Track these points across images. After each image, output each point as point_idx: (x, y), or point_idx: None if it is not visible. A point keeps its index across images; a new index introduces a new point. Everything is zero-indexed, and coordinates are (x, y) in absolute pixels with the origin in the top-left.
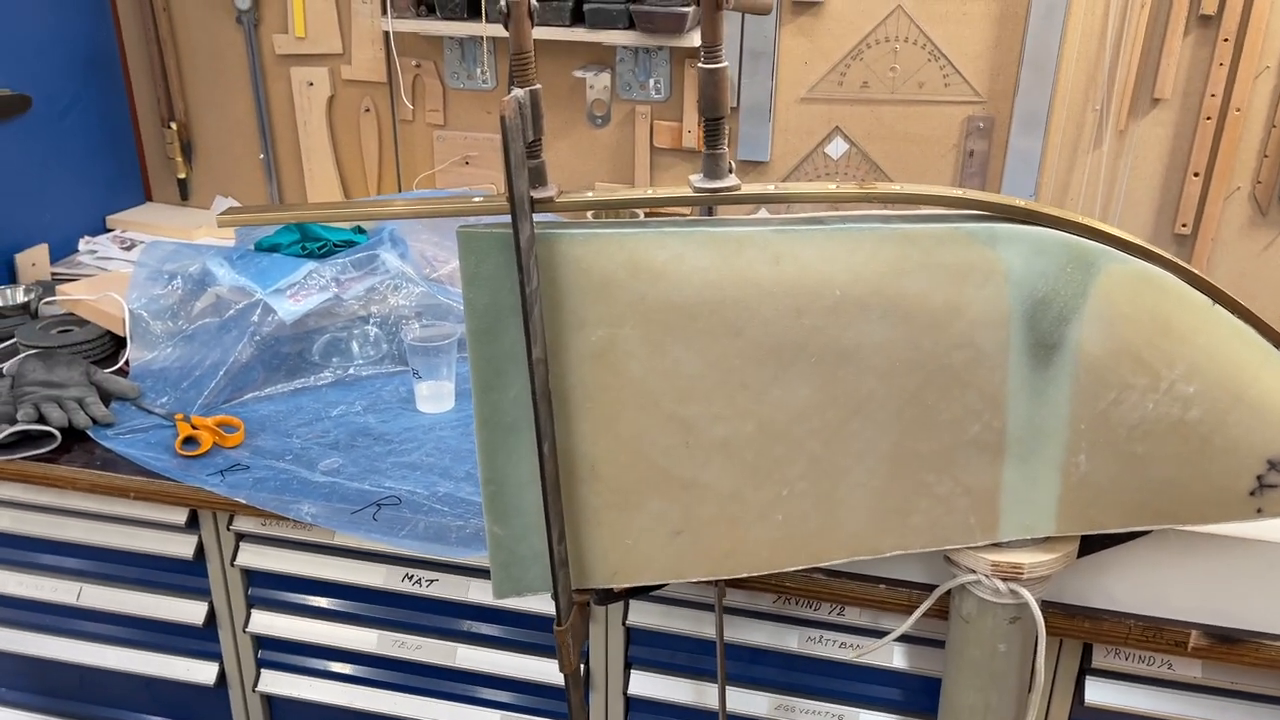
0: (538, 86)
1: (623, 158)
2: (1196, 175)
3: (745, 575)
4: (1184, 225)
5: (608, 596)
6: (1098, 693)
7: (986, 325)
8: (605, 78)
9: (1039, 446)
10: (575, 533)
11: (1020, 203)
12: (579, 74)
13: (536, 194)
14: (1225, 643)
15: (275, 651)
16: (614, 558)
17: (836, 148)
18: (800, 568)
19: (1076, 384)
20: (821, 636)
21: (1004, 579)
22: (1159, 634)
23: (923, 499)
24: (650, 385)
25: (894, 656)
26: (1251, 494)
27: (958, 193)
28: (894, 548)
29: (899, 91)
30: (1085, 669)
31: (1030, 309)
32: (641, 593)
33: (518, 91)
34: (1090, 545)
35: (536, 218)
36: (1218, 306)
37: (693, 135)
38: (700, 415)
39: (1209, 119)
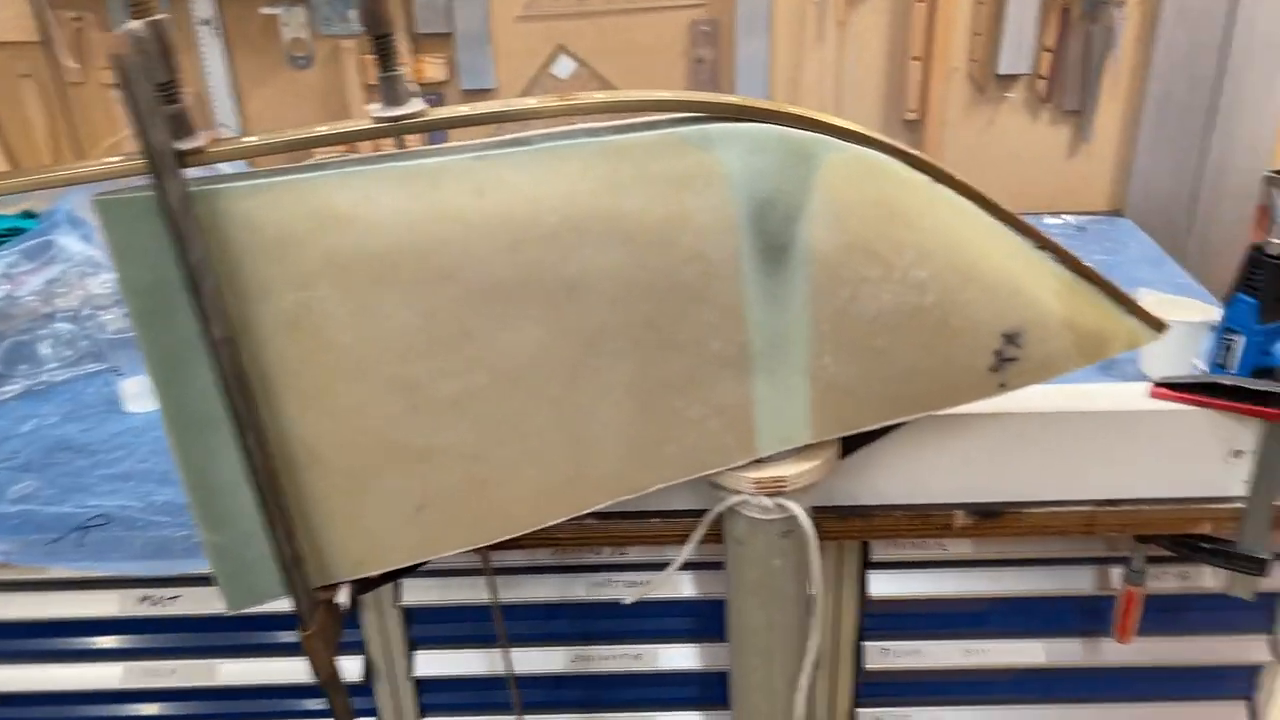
0: (162, 16)
1: (335, 100)
2: (916, 59)
3: (504, 539)
4: (912, 111)
5: (367, 585)
6: (880, 585)
7: (714, 234)
8: (300, 13)
9: (785, 354)
10: (306, 526)
11: (731, 99)
12: (268, 10)
13: (182, 145)
14: (988, 518)
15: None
16: (355, 546)
17: (564, 67)
18: (561, 519)
19: (813, 284)
20: (608, 580)
21: (769, 494)
22: (926, 520)
23: (675, 427)
24: (361, 349)
25: (683, 586)
26: (992, 370)
27: (665, 94)
28: (654, 482)
29: (618, 1)
30: (866, 564)
31: (756, 211)
32: (403, 574)
33: (133, 24)
34: (851, 446)
35: (192, 173)
36: (939, 185)
37: (408, 68)
38: (424, 374)
39: (920, 2)
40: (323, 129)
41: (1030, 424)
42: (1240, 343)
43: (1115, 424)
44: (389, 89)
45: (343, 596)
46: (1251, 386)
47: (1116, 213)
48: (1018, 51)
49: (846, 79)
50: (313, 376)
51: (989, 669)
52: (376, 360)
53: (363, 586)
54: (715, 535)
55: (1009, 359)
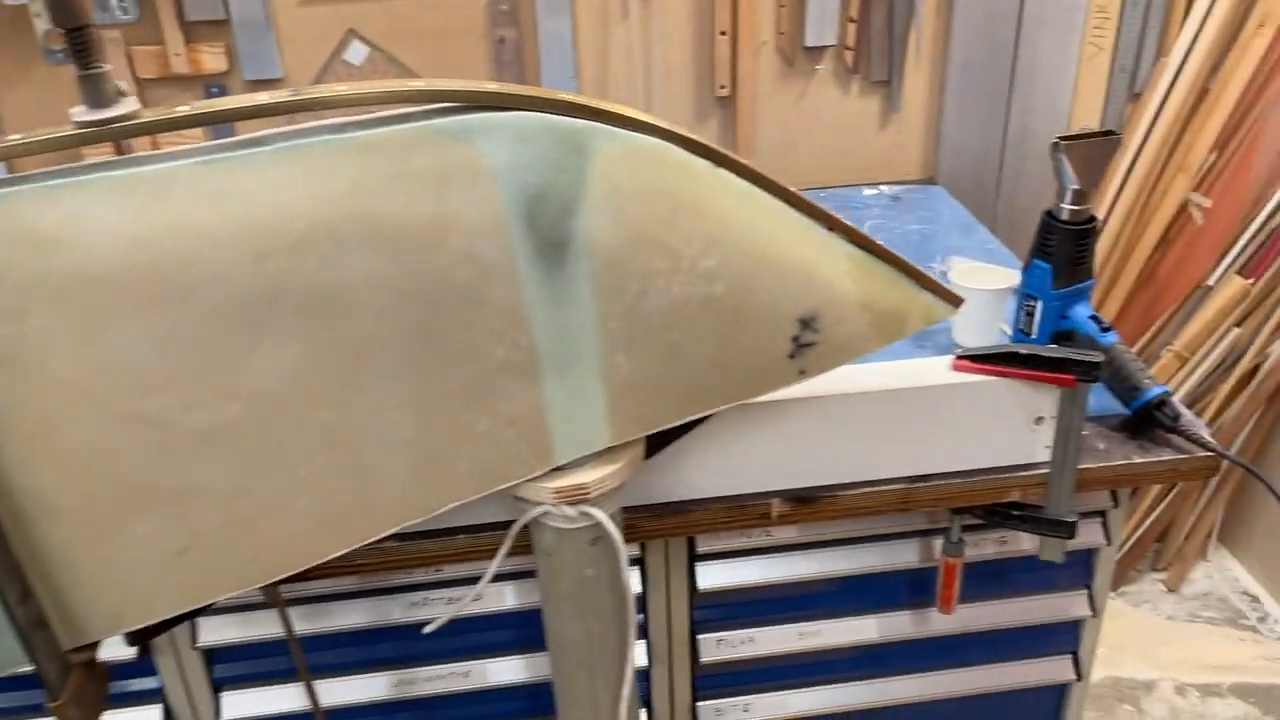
0: None
1: None
2: (724, 34)
3: (280, 578)
4: (723, 87)
5: (145, 634)
6: (709, 576)
7: (484, 234)
8: None
9: (574, 356)
10: (48, 584)
11: (490, 86)
12: (14, 0)
13: None
14: (804, 504)
15: None
16: (110, 600)
17: (356, 52)
18: (346, 550)
19: (597, 281)
20: (425, 599)
21: (572, 503)
22: (743, 511)
23: (464, 442)
24: (89, 385)
25: (507, 597)
26: (791, 357)
27: (417, 84)
28: (446, 502)
29: None
30: (694, 556)
31: (528, 206)
32: (181, 620)
33: None
34: (657, 444)
35: None
36: (722, 170)
37: (182, 59)
38: (168, 407)
39: None
40: (14, 138)
41: (838, 406)
42: (1039, 308)
43: (920, 400)
44: (91, 89)
45: (121, 648)
46: (1046, 354)
47: (930, 181)
48: (823, 23)
49: (655, 56)
50: (34, 419)
51: (824, 650)
52: (108, 396)
53: (139, 636)
54: (528, 545)
55: (807, 344)
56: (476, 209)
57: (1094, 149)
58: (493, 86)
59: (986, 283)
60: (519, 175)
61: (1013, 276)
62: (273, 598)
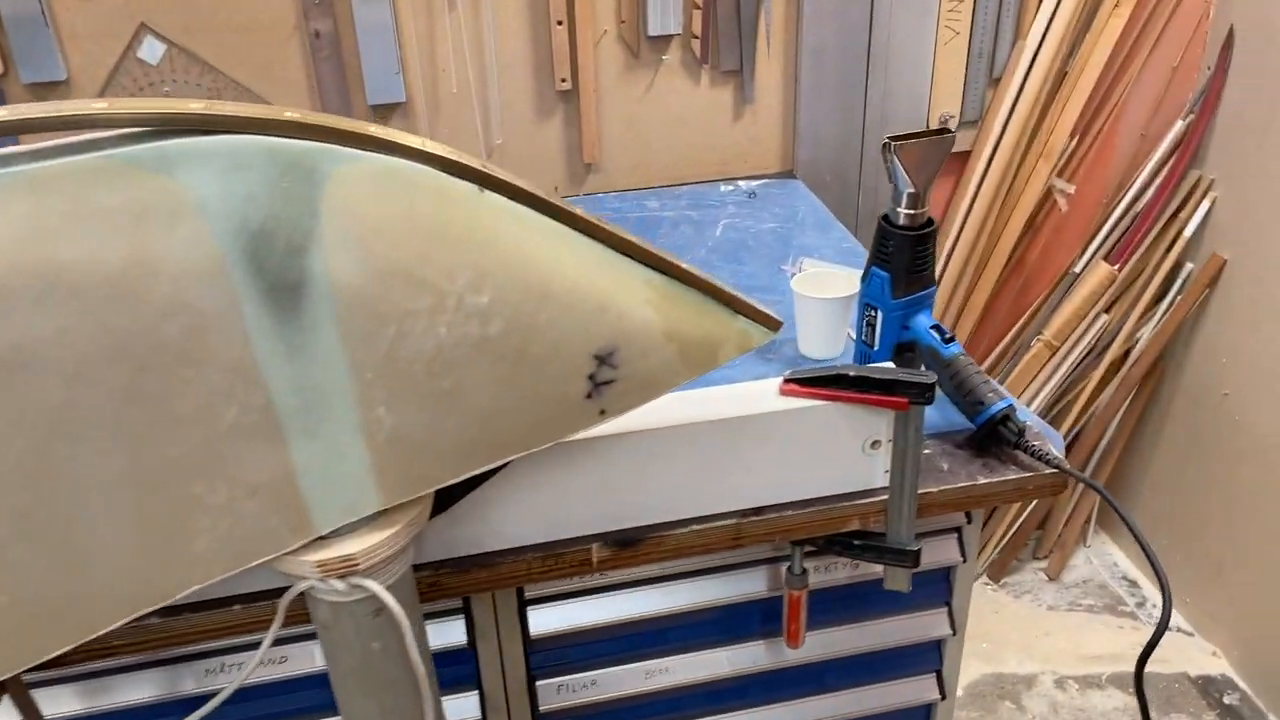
0: None
1: None
2: (561, 23)
3: None
4: (564, 80)
5: None
6: (542, 621)
7: (197, 279)
8: None
9: (325, 413)
10: None
11: (195, 106)
12: None
13: None
14: (627, 547)
15: None
16: None
17: (152, 50)
18: (70, 647)
19: (344, 327)
20: (221, 664)
21: (340, 576)
22: (559, 560)
23: (200, 516)
24: None
25: (316, 658)
26: (589, 397)
27: (99, 106)
28: (187, 585)
29: None
30: (524, 602)
31: (250, 245)
32: None
33: None
34: (450, 496)
35: None
36: (489, 194)
37: None
38: None
39: None
40: None
41: (658, 440)
42: (880, 318)
43: (746, 429)
44: None
45: None
46: (877, 376)
47: (789, 174)
48: (666, 10)
49: (488, 48)
50: None
51: (675, 687)
52: None
53: None
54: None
55: (605, 382)
56: (183, 251)
57: (927, 149)
58: (196, 106)
59: (828, 290)
60: (235, 210)
61: (857, 282)
62: (13, 689)
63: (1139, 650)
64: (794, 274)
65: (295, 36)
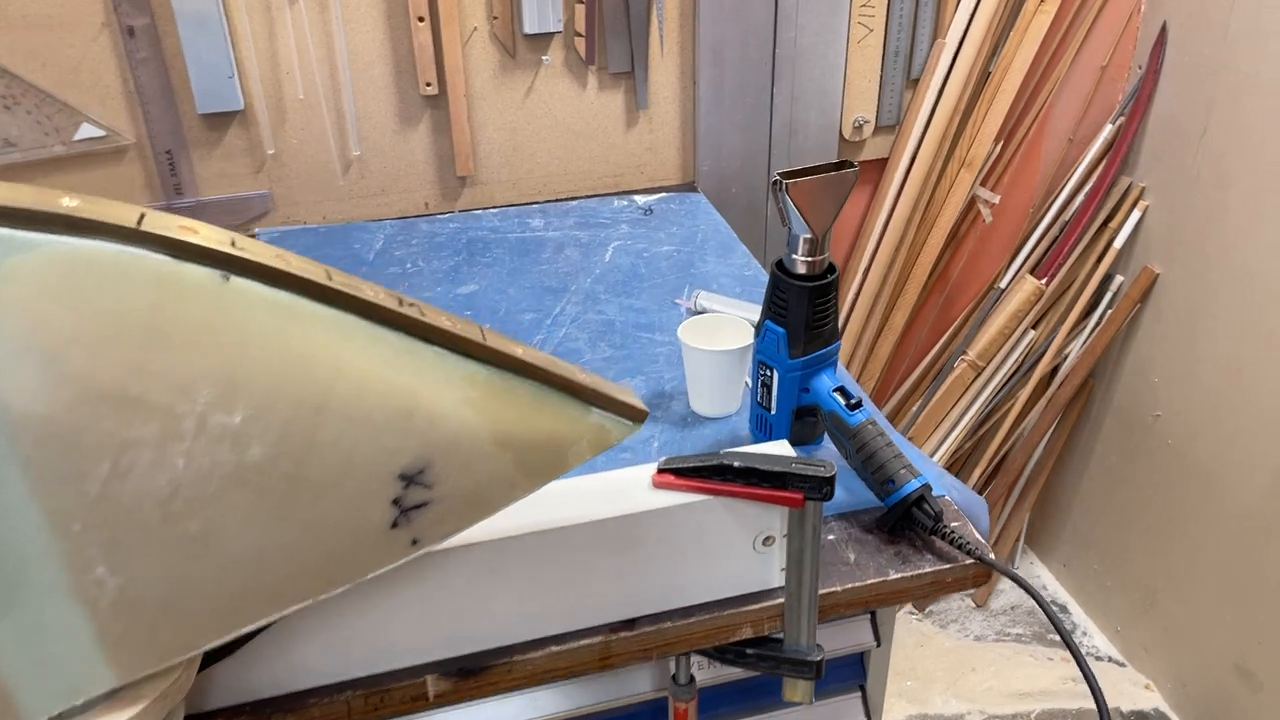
0: None
1: None
2: (422, 20)
3: None
4: (429, 84)
5: None
6: None
7: None
8: None
9: (21, 580)
10: None
11: None
12: None
13: None
14: (470, 677)
15: None
16: None
17: None
18: None
19: (32, 470)
20: None
21: None
22: (386, 696)
23: None
24: None
25: None
26: (395, 526)
27: None
28: None
29: None
30: None
31: None
32: None
33: None
34: (216, 652)
35: None
36: (238, 281)
37: None
38: None
39: None
40: None
41: (502, 552)
42: (776, 379)
43: (614, 531)
44: None
45: None
46: (766, 467)
47: (689, 186)
48: (544, 5)
49: (340, 47)
50: None
51: None
52: None
53: None
54: None
55: (416, 505)
56: None
57: (825, 187)
58: None
59: (721, 339)
60: None
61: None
62: None
63: (1069, 685)
64: (688, 308)
65: (105, 34)
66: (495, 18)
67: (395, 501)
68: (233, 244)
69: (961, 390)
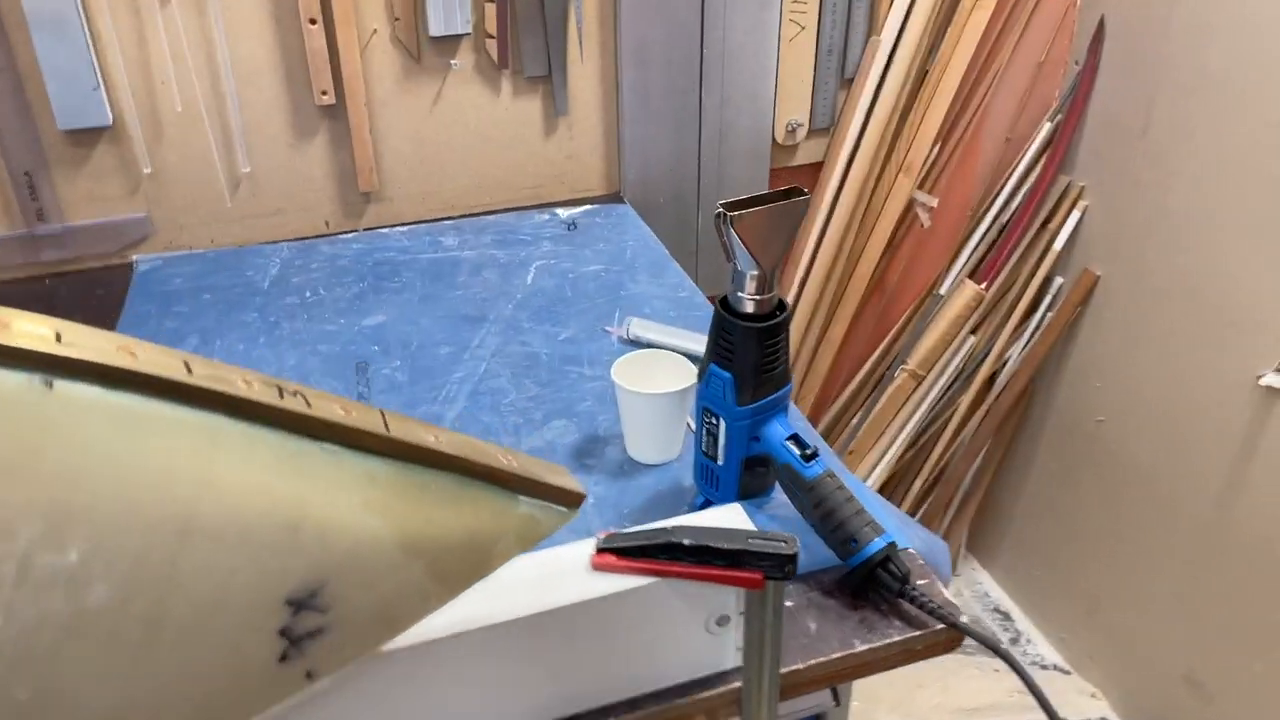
0: None
1: None
2: (314, 23)
3: None
4: (325, 92)
5: None
6: None
7: None
8: None
9: None
10: None
11: None
12: None
13: None
14: None
15: None
16: None
17: None
18: None
19: None
20: None
21: None
22: None
23: None
24: None
25: None
26: (284, 659)
27: None
28: None
29: None
30: None
31: None
32: None
33: None
34: None
35: None
36: (66, 385)
37: None
38: None
39: None
40: None
41: (416, 659)
42: (723, 428)
43: (547, 624)
44: None
45: None
46: (721, 545)
47: (615, 197)
48: (450, 6)
49: (222, 55)
50: None
51: None
52: None
53: None
54: None
55: (309, 634)
56: None
57: (775, 218)
58: None
59: (659, 379)
60: None
61: (694, 368)
62: None
63: (1016, 697)
64: (620, 337)
65: None
66: (397, 19)
67: (283, 632)
68: (57, 338)
69: (902, 400)
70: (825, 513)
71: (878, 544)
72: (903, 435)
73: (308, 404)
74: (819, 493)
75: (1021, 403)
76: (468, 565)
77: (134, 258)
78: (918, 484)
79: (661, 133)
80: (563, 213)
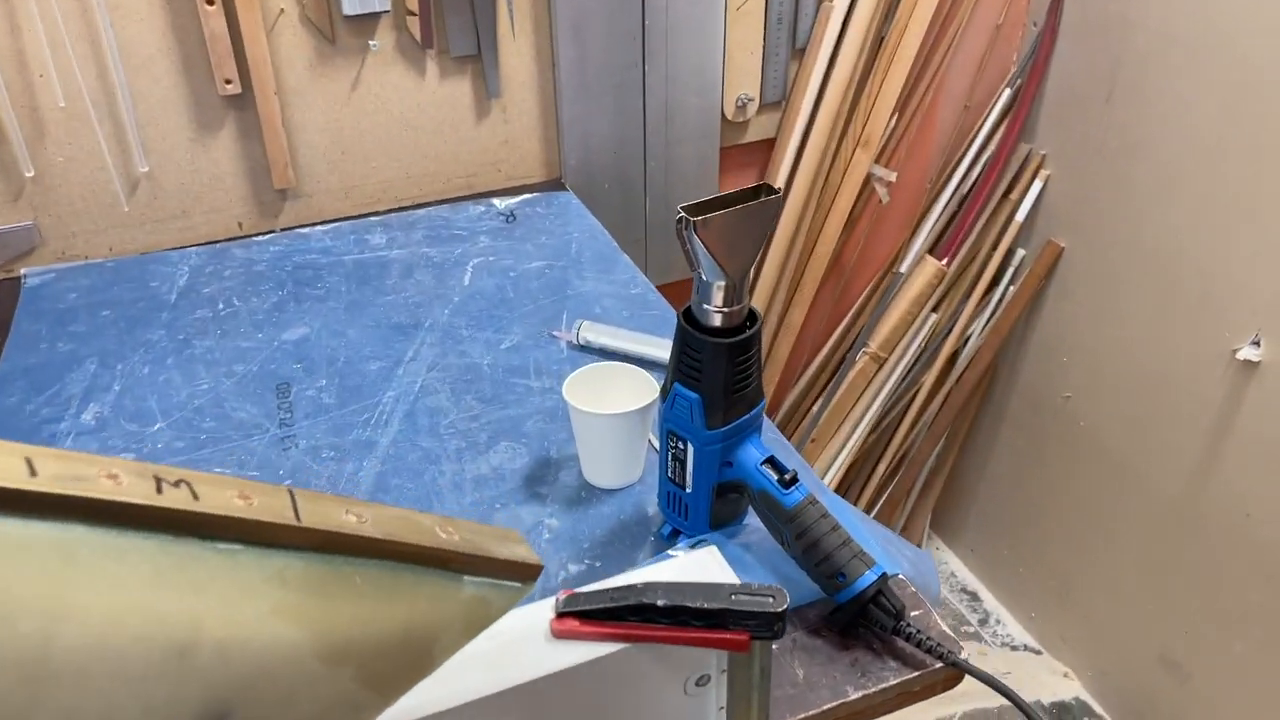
0: None
1: None
2: (212, 4)
3: None
4: (229, 81)
5: None
6: None
7: None
8: None
9: None
10: None
11: None
12: None
13: None
14: None
15: None
16: None
17: None
18: None
19: None
20: None
21: None
22: None
23: None
24: None
25: None
26: None
27: None
28: None
29: None
30: None
31: None
32: None
33: None
34: None
35: None
36: None
37: None
38: None
39: None
40: None
41: None
42: (690, 454)
43: (506, 705)
44: None
45: None
46: (700, 605)
47: (557, 184)
48: None
49: (106, 39)
50: None
51: None
52: None
53: None
54: None
55: None
56: None
57: (744, 221)
58: None
59: (615, 396)
60: None
61: (654, 383)
62: None
63: (986, 686)
64: (569, 342)
65: None
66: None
67: None
68: None
69: (864, 384)
70: (809, 544)
71: (869, 577)
72: (865, 420)
73: (194, 496)
74: (801, 522)
75: (985, 380)
76: (406, 665)
77: (21, 271)
78: (881, 467)
79: (603, 113)
80: (500, 203)
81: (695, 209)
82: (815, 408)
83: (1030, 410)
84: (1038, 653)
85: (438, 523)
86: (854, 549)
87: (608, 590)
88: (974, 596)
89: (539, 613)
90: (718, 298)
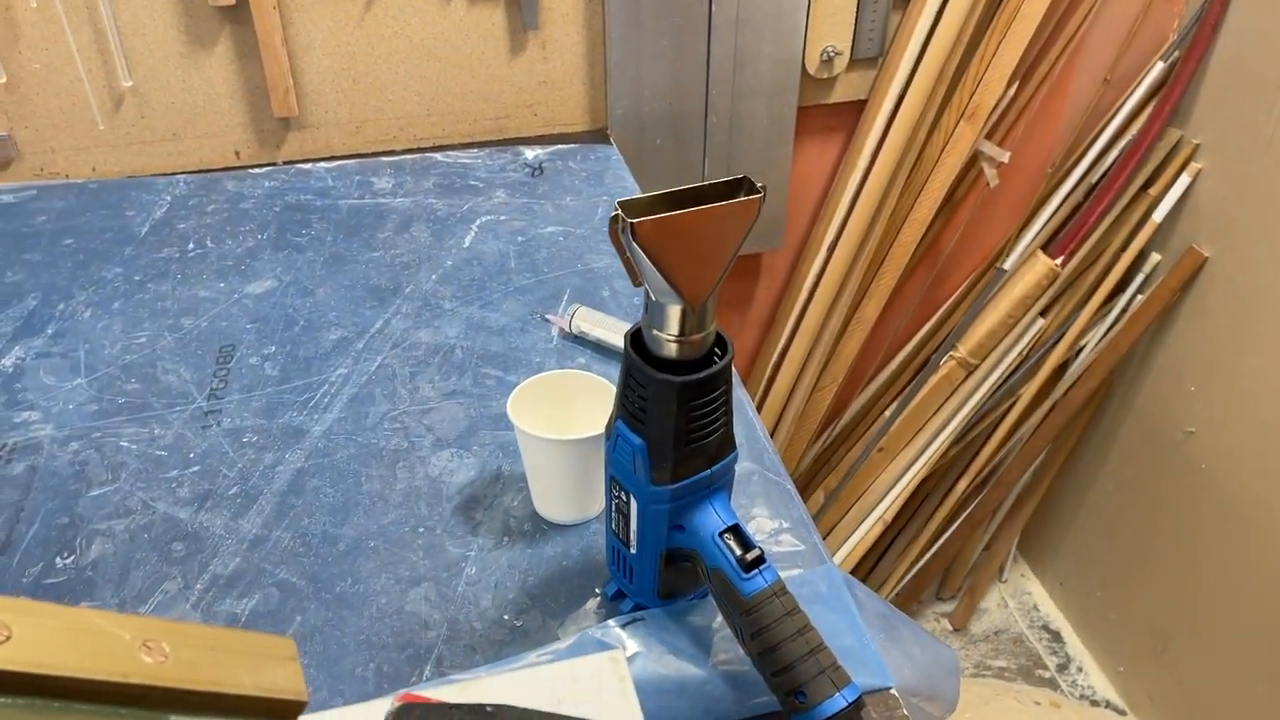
0: None
1: None
2: None
3: None
4: None
5: None
6: None
7: None
8: None
9: None
10: None
11: None
12: None
13: None
14: None
15: None
16: None
17: None
18: None
19: None
20: None
21: None
22: None
23: None
24: None
25: None
26: None
27: None
28: None
29: None
30: None
31: None
32: None
33: None
34: None
35: None
36: None
37: None
38: None
39: None
40: None
41: None
42: (634, 508)
43: None
44: None
45: None
46: None
47: (600, 135)
48: None
49: None
50: None
51: None
52: None
53: None
54: None
55: None
56: None
57: (706, 225)
58: None
59: (573, 418)
60: None
61: None
62: None
63: None
64: (561, 330)
65: None
66: None
67: None
68: None
69: (949, 391)
70: (766, 647)
71: (837, 702)
72: (947, 431)
73: None
74: (759, 618)
75: (1095, 400)
76: None
77: None
78: (962, 483)
79: (659, 56)
80: (530, 153)
81: (638, 206)
82: (888, 413)
83: (1144, 441)
84: (1122, 713)
85: (147, 635)
86: (823, 661)
87: (453, 708)
88: (1056, 636)
89: (370, 715)
90: (670, 323)
